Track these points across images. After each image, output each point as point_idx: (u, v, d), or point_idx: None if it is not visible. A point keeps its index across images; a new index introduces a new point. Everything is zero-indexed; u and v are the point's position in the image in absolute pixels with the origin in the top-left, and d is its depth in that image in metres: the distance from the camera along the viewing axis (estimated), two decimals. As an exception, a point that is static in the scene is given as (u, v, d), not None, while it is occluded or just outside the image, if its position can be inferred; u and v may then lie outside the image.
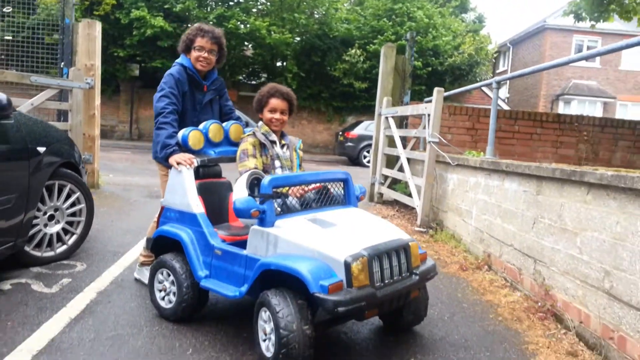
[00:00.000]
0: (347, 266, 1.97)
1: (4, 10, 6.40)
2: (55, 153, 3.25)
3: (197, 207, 2.52)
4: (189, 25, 17.25)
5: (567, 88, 23.99)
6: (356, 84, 17.44)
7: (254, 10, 18.21)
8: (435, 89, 4.77)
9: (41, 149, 3.06)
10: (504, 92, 27.06)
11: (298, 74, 17.81)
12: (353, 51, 17.27)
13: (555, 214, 2.89)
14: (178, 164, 2.59)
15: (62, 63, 5.98)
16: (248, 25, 16.81)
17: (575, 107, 23.47)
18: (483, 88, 18.75)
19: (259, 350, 2.09)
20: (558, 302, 2.79)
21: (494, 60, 20.98)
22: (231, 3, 18.04)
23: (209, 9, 17.42)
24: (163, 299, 2.57)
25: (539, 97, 24.44)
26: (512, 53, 27.92)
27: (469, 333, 2.63)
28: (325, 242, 2.08)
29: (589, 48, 23.47)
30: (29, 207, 2.97)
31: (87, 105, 5.85)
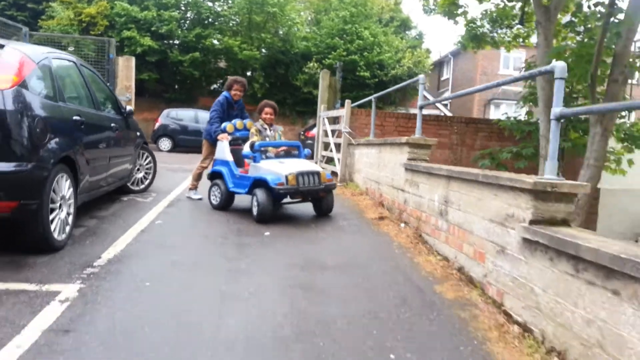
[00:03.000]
0: (285, 177, 5.14)
1: (68, 49, 9.41)
2: (141, 136, 6.41)
3: (229, 157, 5.73)
4: (173, 42, 20.28)
5: (497, 93, 28.04)
6: (315, 92, 20.79)
7: (227, 30, 21.31)
8: (346, 101, 8.13)
9: (138, 133, 6.22)
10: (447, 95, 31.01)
11: (264, 84, 21.05)
12: (311, 64, 20.65)
13: (383, 160, 6.25)
14: (221, 139, 5.79)
15: (108, 83, 9.03)
16: (222, 43, 19.94)
17: (503, 109, 27.51)
18: (426, 95, 22.44)
19: (253, 212, 5.27)
20: (382, 199, 6.16)
21: (429, 72, 24.63)
22: (206, 23, 21.14)
23: (188, 30, 20.42)
24: (214, 199, 5.77)
25: (473, 102, 28.46)
26: (453, 63, 31.94)
27: (347, 213, 5.93)
28: (279, 168, 5.23)
29: (514, 59, 27.54)
30: (133, 162, 6.11)
31: (126, 111, 8.93)
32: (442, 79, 33.43)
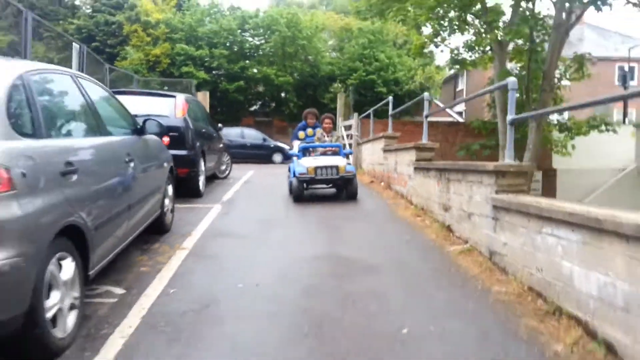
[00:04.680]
0: (306, 169, 7.18)
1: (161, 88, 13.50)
2: (225, 144, 10.26)
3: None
4: (221, 73, 24.50)
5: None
6: (339, 108, 24.56)
7: (264, 61, 25.45)
8: (355, 114, 11.74)
9: (223, 143, 10.07)
10: (461, 107, 34.12)
11: (297, 103, 24.97)
12: (336, 85, 24.45)
13: (375, 150, 9.83)
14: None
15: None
16: (260, 72, 24.05)
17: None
18: (438, 103, 25.85)
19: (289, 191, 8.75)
20: (375, 172, 9.73)
21: (440, 86, 27.94)
22: (247, 55, 25.34)
23: (234, 63, 24.64)
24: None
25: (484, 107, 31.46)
26: (467, 76, 35.06)
27: (365, 193, 9.34)
28: (307, 163, 7.22)
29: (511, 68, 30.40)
30: (220, 159, 9.93)
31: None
32: (457, 89, 36.53)
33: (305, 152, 7.67)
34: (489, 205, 4.02)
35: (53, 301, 2.49)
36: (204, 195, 7.56)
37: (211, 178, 9.78)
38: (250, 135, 21.38)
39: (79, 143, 3.18)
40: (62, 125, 3.06)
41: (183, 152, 6.91)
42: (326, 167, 7.03)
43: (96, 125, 3.47)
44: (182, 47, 23.03)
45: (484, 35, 12.03)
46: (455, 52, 15.02)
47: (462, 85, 36.24)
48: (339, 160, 7.25)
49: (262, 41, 25.64)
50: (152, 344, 2.70)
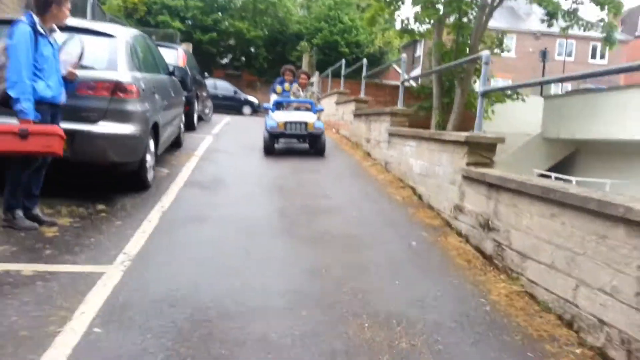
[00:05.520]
0: (276, 123, 7.58)
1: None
2: (207, 88, 12.48)
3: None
4: (194, 23, 25.93)
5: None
6: (305, 65, 26.67)
7: (236, 15, 27.01)
8: (316, 72, 14.04)
9: (206, 85, 12.30)
10: (418, 71, 36.81)
11: (267, 58, 26.88)
12: (303, 43, 26.42)
13: (332, 104, 12.32)
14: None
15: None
16: (233, 26, 25.68)
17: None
18: (396, 67, 28.38)
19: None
20: (339, 128, 12.26)
21: (399, 51, 30.35)
22: (221, 8, 26.80)
23: (207, 15, 26.08)
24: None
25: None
26: (424, 42, 37.53)
27: (336, 154, 11.96)
28: (278, 117, 7.55)
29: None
30: (205, 103, 12.16)
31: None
32: (415, 55, 39.11)
33: (279, 106, 8.07)
34: (387, 134, 6.67)
35: (148, 159, 4.95)
36: (197, 129, 9.88)
37: (198, 119, 12.05)
38: (222, 87, 23.25)
39: (154, 77, 5.35)
40: (146, 66, 5.30)
41: (185, 94, 9.16)
42: (295, 123, 7.37)
43: (157, 67, 5.81)
44: (159, -4, 24.28)
45: (425, 10, 14.46)
46: (406, 22, 17.45)
47: (419, 51, 38.81)
48: (308, 117, 7.63)
49: (236, -4, 27.10)
50: (193, 192, 5.22)
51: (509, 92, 15.29)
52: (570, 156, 15.55)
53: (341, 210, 4.90)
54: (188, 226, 4.11)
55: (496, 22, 24.51)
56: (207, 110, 12.28)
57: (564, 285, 2.74)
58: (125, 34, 4.90)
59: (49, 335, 2.37)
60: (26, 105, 3.44)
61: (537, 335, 2.64)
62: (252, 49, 28.07)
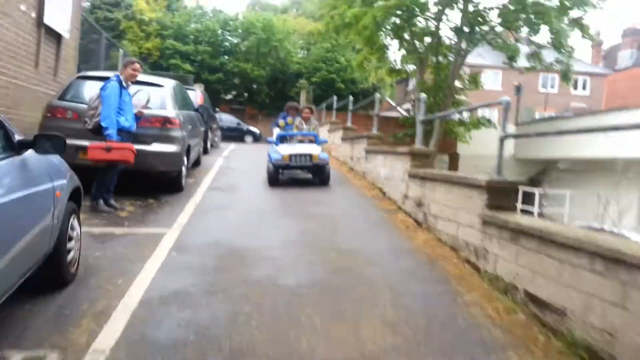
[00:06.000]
0: (282, 156, 8.76)
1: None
2: (218, 125, 14.46)
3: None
4: (204, 66, 28.31)
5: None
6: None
7: (241, 57, 29.49)
8: (312, 106, 16.10)
9: (216, 124, 14.26)
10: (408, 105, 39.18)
11: (268, 94, 29.15)
12: (302, 81, 28.73)
13: (326, 132, 14.24)
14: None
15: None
16: (238, 67, 28.08)
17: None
18: (389, 100, 30.60)
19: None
20: (332, 150, 14.18)
21: (393, 86, 32.67)
22: (227, 51, 29.30)
23: (215, 58, 28.52)
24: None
25: (430, 108, 36.58)
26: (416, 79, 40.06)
27: (336, 176, 13.86)
28: (283, 150, 7.87)
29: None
30: (215, 132, 14.11)
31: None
32: (408, 89, 41.57)
33: (283, 139, 8.36)
34: (363, 152, 8.51)
35: (183, 170, 6.82)
36: (210, 153, 11.76)
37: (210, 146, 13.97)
38: (226, 119, 25.37)
39: (187, 113, 7.44)
40: (182, 105, 7.30)
41: (204, 126, 11.13)
42: (300, 155, 7.63)
43: (188, 106, 7.84)
44: (171, 42, 26.74)
45: (409, 54, 16.64)
46: (393, 63, 19.64)
47: (411, 86, 41.30)
48: (313, 149, 7.83)
49: (240, 40, 29.62)
50: (215, 193, 7.02)
51: (483, 121, 17.30)
52: (542, 172, 17.40)
53: (328, 203, 6.72)
54: (215, 211, 5.89)
55: (482, 59, 27.11)
56: (216, 139, 14.24)
57: (452, 227, 4.49)
58: (169, 84, 6.84)
59: (146, 257, 4.12)
60: (112, 132, 5.29)
61: (435, 255, 4.39)
62: (255, 86, 30.38)
